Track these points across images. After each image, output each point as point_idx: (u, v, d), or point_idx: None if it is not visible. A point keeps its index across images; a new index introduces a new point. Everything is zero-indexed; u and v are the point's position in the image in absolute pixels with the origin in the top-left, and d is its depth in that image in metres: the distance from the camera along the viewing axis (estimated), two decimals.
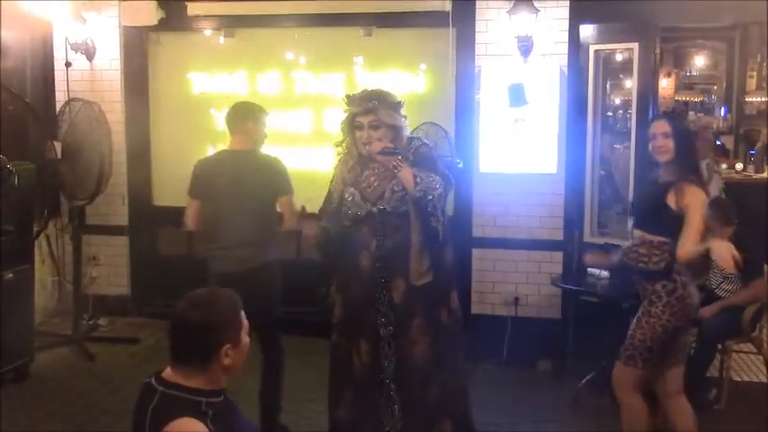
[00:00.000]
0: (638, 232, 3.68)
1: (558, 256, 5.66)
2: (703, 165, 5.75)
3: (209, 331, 2.20)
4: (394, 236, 3.57)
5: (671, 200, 3.56)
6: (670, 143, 3.58)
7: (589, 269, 5.26)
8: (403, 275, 3.58)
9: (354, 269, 3.60)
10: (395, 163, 3.55)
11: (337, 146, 3.79)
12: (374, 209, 3.58)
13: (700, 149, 5.86)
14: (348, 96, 3.68)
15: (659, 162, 3.64)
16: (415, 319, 3.59)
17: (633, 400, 3.69)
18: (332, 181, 3.81)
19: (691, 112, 10.68)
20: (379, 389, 3.61)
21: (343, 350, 3.69)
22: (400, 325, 3.58)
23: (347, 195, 3.63)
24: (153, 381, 2.24)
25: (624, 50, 5.78)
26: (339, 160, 3.76)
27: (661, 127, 3.63)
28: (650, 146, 3.66)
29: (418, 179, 3.53)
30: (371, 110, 3.57)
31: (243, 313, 2.30)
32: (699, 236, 3.49)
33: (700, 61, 10.20)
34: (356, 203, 3.60)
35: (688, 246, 3.46)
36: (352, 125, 3.63)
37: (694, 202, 3.52)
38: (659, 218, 3.59)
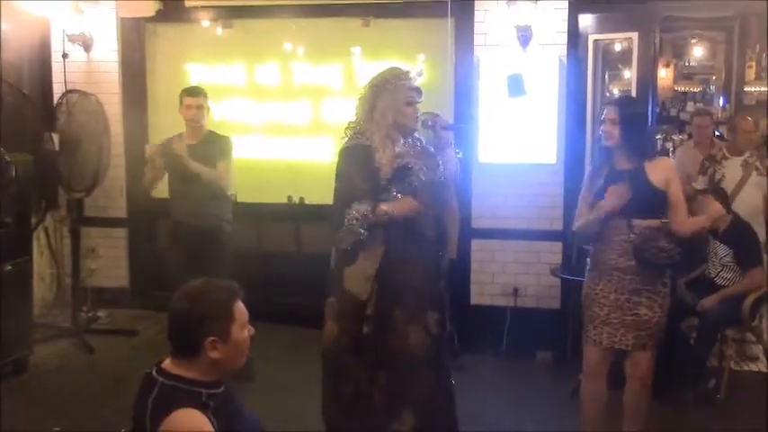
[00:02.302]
0: (640, 222, 3.58)
1: (558, 246, 5.65)
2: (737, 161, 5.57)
3: (192, 322, 2.19)
4: (442, 205, 3.60)
5: (655, 179, 3.59)
6: (616, 130, 3.61)
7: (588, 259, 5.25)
8: (445, 246, 3.62)
9: (417, 240, 3.51)
10: (452, 139, 3.63)
11: (351, 125, 3.62)
12: (434, 177, 3.56)
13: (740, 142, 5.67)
14: (406, 71, 3.59)
15: (606, 147, 3.68)
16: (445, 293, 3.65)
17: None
18: (364, 160, 3.48)
19: (690, 102, 10.67)
20: (443, 356, 3.59)
21: (377, 337, 3.49)
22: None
23: (411, 166, 3.50)
24: (153, 372, 2.23)
25: (623, 40, 5.76)
26: (382, 136, 3.48)
27: (610, 114, 3.66)
28: (600, 130, 3.74)
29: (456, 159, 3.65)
30: (417, 86, 3.58)
31: (238, 307, 2.27)
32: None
33: (698, 51, 10.18)
34: (423, 172, 3.52)
35: (687, 222, 3.58)
36: (404, 99, 3.53)
37: (674, 175, 3.66)
38: (649, 201, 3.58)
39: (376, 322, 3.47)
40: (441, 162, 3.60)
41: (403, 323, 3.47)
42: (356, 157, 3.51)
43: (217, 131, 5.21)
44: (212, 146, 5.02)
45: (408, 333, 3.48)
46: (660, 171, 3.63)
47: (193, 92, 5.07)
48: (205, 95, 5.07)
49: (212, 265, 4.60)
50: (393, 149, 3.49)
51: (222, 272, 4.64)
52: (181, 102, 5.03)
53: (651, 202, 3.59)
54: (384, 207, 3.39)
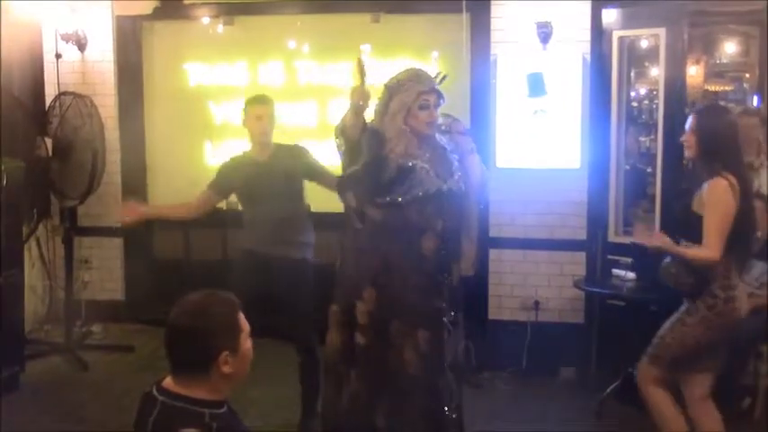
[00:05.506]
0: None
1: (581, 256, 5.64)
2: None
3: (204, 339, 2.20)
4: (455, 217, 3.59)
5: (695, 203, 3.57)
6: (693, 138, 3.61)
7: (614, 271, 5.26)
8: (457, 261, 3.61)
9: (414, 252, 3.52)
10: (472, 145, 3.63)
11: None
12: (444, 186, 3.55)
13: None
14: (424, 73, 3.63)
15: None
16: (459, 312, 3.62)
17: (656, 391, 3.73)
18: (376, 152, 3.52)
19: (721, 102, 10.61)
20: (440, 380, 3.56)
21: (377, 351, 3.55)
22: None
23: (420, 169, 3.51)
24: (154, 391, 2.25)
25: (650, 36, 5.75)
26: (394, 134, 3.54)
27: (689, 122, 3.68)
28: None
29: (483, 167, 3.65)
30: (436, 89, 3.59)
31: (241, 317, 2.30)
32: (719, 236, 3.46)
33: (730, 47, 10.13)
34: (430, 179, 3.52)
35: (704, 251, 3.48)
36: (414, 104, 3.54)
37: (711, 197, 3.52)
38: (688, 226, 3.59)
39: (372, 334, 3.54)
40: (459, 171, 3.60)
41: (397, 338, 3.53)
42: (369, 137, 3.51)
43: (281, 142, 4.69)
44: (290, 160, 4.55)
45: (403, 349, 3.52)
46: (701, 194, 3.61)
47: (263, 100, 4.57)
48: (272, 103, 4.59)
49: (293, 304, 4.40)
50: (404, 147, 3.53)
51: (305, 314, 4.44)
52: (246, 113, 4.52)
53: (689, 226, 3.63)
54: None
